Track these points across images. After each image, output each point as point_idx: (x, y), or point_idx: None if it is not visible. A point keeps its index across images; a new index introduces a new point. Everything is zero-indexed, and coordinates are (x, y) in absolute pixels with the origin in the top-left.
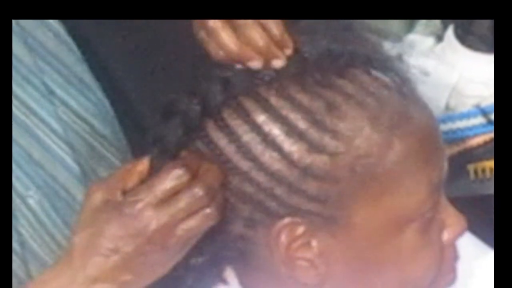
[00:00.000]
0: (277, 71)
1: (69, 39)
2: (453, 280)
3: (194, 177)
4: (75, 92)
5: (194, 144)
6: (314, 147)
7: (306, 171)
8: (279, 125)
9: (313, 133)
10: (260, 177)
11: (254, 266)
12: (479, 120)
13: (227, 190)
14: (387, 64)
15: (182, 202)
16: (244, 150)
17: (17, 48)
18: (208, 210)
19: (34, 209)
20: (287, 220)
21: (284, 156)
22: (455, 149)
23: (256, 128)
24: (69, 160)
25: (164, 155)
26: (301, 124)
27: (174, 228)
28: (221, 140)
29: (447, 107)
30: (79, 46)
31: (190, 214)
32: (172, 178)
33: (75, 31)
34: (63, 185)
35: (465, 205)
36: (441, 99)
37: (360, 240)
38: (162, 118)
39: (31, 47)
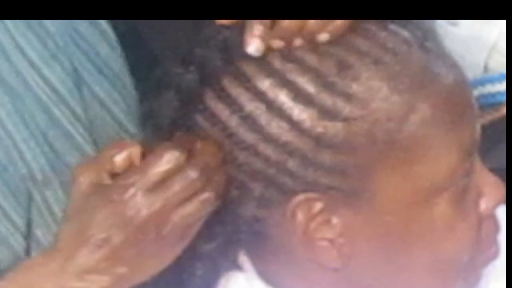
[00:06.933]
0: None
1: (109, 31)
2: (495, 254)
3: (189, 158)
4: (107, 84)
5: (192, 119)
6: (327, 113)
7: (319, 141)
8: (286, 91)
9: (325, 98)
10: (269, 150)
11: (270, 250)
12: None
13: (234, 168)
14: None
15: (176, 185)
16: (249, 121)
17: (51, 25)
18: (205, 195)
19: (48, 200)
20: (302, 196)
21: (294, 125)
22: (495, 114)
23: (260, 96)
24: (91, 154)
25: (159, 133)
26: (310, 88)
27: (169, 214)
28: (223, 112)
29: (486, 68)
30: None
31: (185, 199)
32: (165, 160)
33: None
34: None
35: (506, 176)
36: (479, 60)
37: (386, 216)
38: (155, 91)
39: (65, 28)
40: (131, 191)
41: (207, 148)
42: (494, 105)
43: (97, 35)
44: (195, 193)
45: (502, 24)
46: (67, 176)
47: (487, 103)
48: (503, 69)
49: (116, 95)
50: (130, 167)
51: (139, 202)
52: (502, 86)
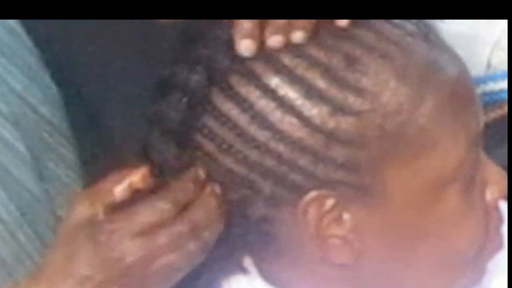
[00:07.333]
0: None
1: (17, 28)
2: (500, 245)
3: (185, 207)
4: (24, 78)
5: (201, 120)
6: (337, 108)
7: (331, 136)
8: (296, 87)
9: (335, 92)
10: (281, 148)
11: (274, 250)
12: None
13: (244, 167)
14: None
15: (162, 238)
16: (260, 119)
17: None
18: (191, 247)
19: None
20: (314, 193)
21: (305, 121)
22: (498, 112)
23: (270, 93)
24: (21, 149)
25: (167, 137)
26: (320, 83)
27: (153, 261)
28: (232, 111)
29: (489, 66)
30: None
31: (172, 249)
32: (155, 211)
33: None
34: (12, 173)
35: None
36: (482, 57)
37: (397, 210)
38: (160, 94)
39: None
40: (118, 235)
41: (206, 201)
42: (497, 103)
43: (4, 31)
44: (182, 245)
45: (504, 21)
46: (3, 175)
47: (490, 101)
48: (506, 67)
49: (34, 87)
50: (135, 194)
51: (125, 247)
52: (505, 84)
